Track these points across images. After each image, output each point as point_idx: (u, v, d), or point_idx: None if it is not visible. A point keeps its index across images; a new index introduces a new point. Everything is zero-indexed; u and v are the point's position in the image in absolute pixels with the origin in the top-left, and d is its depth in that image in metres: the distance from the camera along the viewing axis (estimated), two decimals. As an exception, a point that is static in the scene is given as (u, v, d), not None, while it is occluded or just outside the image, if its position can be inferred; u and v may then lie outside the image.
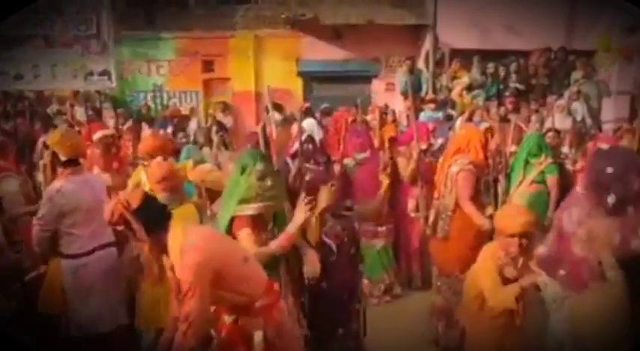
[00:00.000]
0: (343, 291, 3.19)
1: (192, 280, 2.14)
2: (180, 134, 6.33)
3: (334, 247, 3.14)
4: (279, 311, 2.48)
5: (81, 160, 3.21)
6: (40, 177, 3.84)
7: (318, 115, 7.22)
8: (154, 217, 2.26)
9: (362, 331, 3.32)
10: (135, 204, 2.21)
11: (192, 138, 5.87)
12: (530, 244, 2.72)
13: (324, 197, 3.12)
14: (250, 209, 2.67)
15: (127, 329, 3.28)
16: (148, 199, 2.30)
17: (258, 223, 2.72)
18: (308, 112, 6.80)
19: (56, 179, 3.11)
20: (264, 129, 4.51)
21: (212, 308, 2.35)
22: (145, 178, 3.95)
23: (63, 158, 3.08)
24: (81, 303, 3.06)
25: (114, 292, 3.18)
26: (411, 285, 5.01)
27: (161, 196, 3.13)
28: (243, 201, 2.66)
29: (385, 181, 4.54)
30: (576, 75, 8.65)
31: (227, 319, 2.42)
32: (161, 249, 2.28)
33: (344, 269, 3.19)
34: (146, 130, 6.29)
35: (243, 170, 2.72)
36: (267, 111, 5.96)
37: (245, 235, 2.65)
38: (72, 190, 3.01)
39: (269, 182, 2.69)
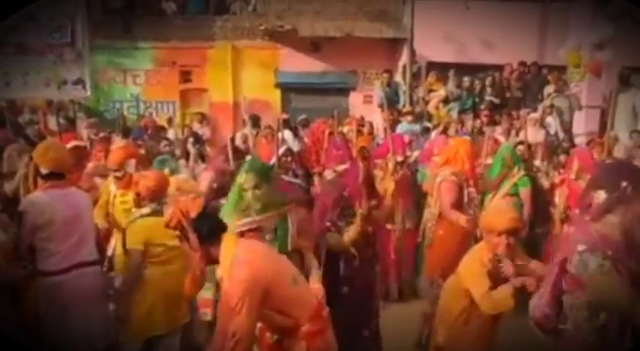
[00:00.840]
0: (363, 293, 3.28)
1: (241, 295, 2.11)
2: (161, 144, 6.20)
3: (355, 253, 3.21)
4: (325, 339, 2.39)
5: (66, 175, 3.09)
6: (6, 187, 3.73)
7: (295, 126, 7.21)
8: (209, 228, 2.30)
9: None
10: (193, 213, 2.27)
11: (167, 148, 5.76)
12: (515, 243, 2.76)
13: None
14: (249, 223, 2.49)
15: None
16: (206, 210, 2.38)
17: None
18: (286, 124, 6.80)
19: (34, 191, 3.01)
20: (232, 140, 4.48)
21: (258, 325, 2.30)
22: (115, 190, 3.89)
23: (44, 171, 2.98)
24: (54, 324, 2.90)
25: (92, 315, 3.01)
26: (389, 297, 5.00)
27: (146, 205, 3.21)
28: (242, 214, 2.52)
29: (391, 187, 4.53)
30: (549, 89, 8.84)
31: (270, 337, 2.37)
32: (211, 260, 2.30)
33: (363, 272, 3.28)
34: (117, 141, 6.15)
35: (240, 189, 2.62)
36: (244, 123, 5.95)
37: None
38: (47, 202, 2.91)
39: (264, 189, 2.57)
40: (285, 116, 7.76)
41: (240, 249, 2.24)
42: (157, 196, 3.32)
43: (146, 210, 3.32)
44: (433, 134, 7.21)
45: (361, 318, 3.27)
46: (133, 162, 4.15)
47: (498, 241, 2.74)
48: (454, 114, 8.36)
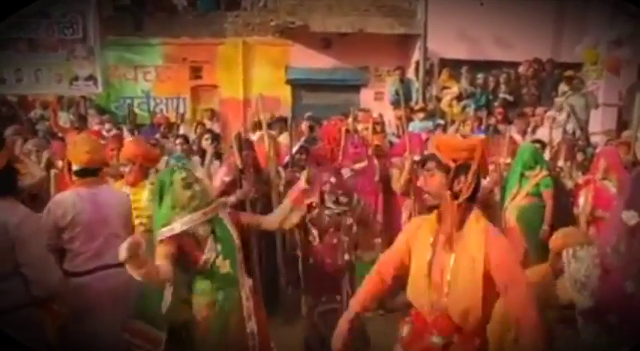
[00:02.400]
0: (324, 270, 3.54)
1: None
2: (176, 141, 6.11)
3: (316, 234, 3.51)
4: None
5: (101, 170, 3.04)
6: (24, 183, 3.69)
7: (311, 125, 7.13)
8: None
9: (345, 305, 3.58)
10: None
11: (181, 147, 5.68)
12: None
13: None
14: (179, 225, 2.51)
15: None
16: None
17: (187, 241, 2.58)
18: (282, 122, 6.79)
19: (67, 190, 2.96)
20: (238, 137, 4.41)
21: None
22: (128, 190, 3.82)
23: (75, 167, 2.92)
24: (78, 326, 2.83)
25: (116, 318, 2.87)
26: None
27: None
28: (171, 217, 2.52)
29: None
30: (563, 87, 8.70)
31: None
32: None
33: (326, 254, 3.53)
34: (128, 137, 6.07)
35: (161, 190, 2.58)
36: (257, 125, 5.87)
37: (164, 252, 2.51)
38: (71, 203, 2.84)
39: (197, 188, 2.57)
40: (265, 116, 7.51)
41: None
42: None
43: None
44: (450, 131, 7.10)
45: (324, 286, 3.57)
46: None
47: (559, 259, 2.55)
48: (470, 111, 8.23)
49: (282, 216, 3.05)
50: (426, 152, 5.30)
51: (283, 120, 7.04)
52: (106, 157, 3.20)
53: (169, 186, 2.54)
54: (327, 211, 3.54)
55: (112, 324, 2.86)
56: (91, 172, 2.94)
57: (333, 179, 3.59)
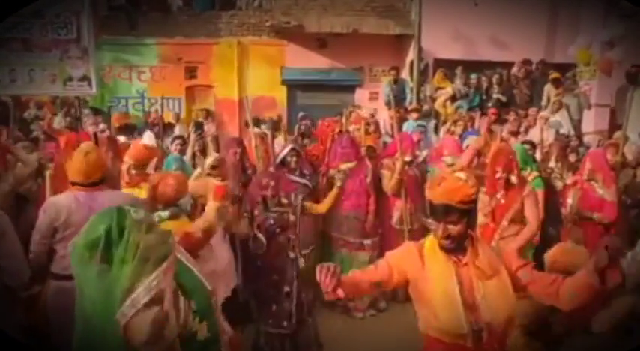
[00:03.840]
0: (273, 272, 3.69)
1: None
2: (173, 143, 6.09)
3: (264, 240, 3.65)
4: None
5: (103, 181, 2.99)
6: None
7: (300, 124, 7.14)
8: None
9: (294, 314, 3.70)
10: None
11: (179, 148, 5.69)
12: None
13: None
14: (143, 292, 1.58)
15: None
16: None
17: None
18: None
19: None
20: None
21: None
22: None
23: (70, 179, 2.94)
24: (64, 328, 2.83)
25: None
26: (396, 298, 4.96)
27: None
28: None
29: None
30: (550, 88, 8.73)
31: None
32: None
33: (274, 256, 3.68)
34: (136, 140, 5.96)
35: (107, 242, 1.63)
36: (246, 125, 5.89)
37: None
38: (66, 204, 2.84)
39: (158, 232, 1.72)
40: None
41: None
42: (174, 200, 2.98)
43: (165, 214, 2.94)
44: (441, 131, 7.13)
45: (270, 293, 3.71)
46: (152, 163, 4.13)
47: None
48: (463, 111, 8.26)
49: (208, 217, 2.59)
50: (417, 153, 5.38)
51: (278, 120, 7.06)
52: (106, 172, 3.04)
53: (120, 234, 1.65)
54: (271, 214, 3.69)
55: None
56: (89, 185, 2.92)
57: (273, 183, 3.72)
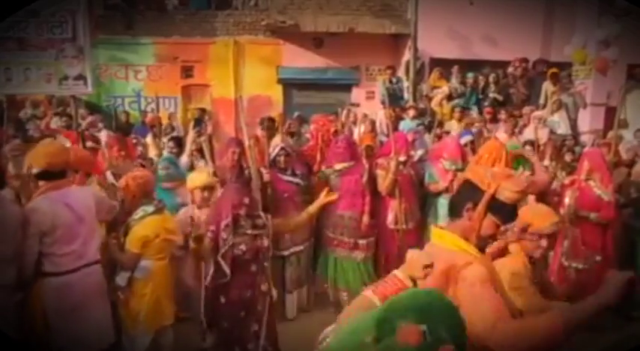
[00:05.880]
0: (240, 309, 3.13)
1: None
2: (166, 145, 6.08)
3: (228, 271, 3.03)
4: None
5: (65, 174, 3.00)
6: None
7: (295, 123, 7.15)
8: None
9: None
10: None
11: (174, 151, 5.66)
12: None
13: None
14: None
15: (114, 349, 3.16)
16: None
17: None
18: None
19: (34, 196, 2.91)
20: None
21: None
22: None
23: (35, 170, 2.87)
24: (64, 324, 2.85)
25: (98, 313, 3.00)
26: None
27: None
28: None
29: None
30: (549, 86, 8.74)
31: None
32: None
33: (242, 287, 3.12)
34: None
35: None
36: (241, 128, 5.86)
37: None
38: (47, 208, 2.82)
39: None
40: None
41: None
42: (148, 189, 3.42)
43: (150, 208, 3.32)
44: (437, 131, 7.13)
45: (235, 333, 3.14)
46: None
47: (537, 244, 2.51)
48: (474, 113, 8.29)
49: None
50: (412, 153, 5.37)
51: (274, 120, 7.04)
52: (68, 161, 3.02)
53: None
54: (241, 239, 3.06)
55: (95, 318, 2.96)
56: (54, 175, 2.91)
57: (247, 200, 3.09)
